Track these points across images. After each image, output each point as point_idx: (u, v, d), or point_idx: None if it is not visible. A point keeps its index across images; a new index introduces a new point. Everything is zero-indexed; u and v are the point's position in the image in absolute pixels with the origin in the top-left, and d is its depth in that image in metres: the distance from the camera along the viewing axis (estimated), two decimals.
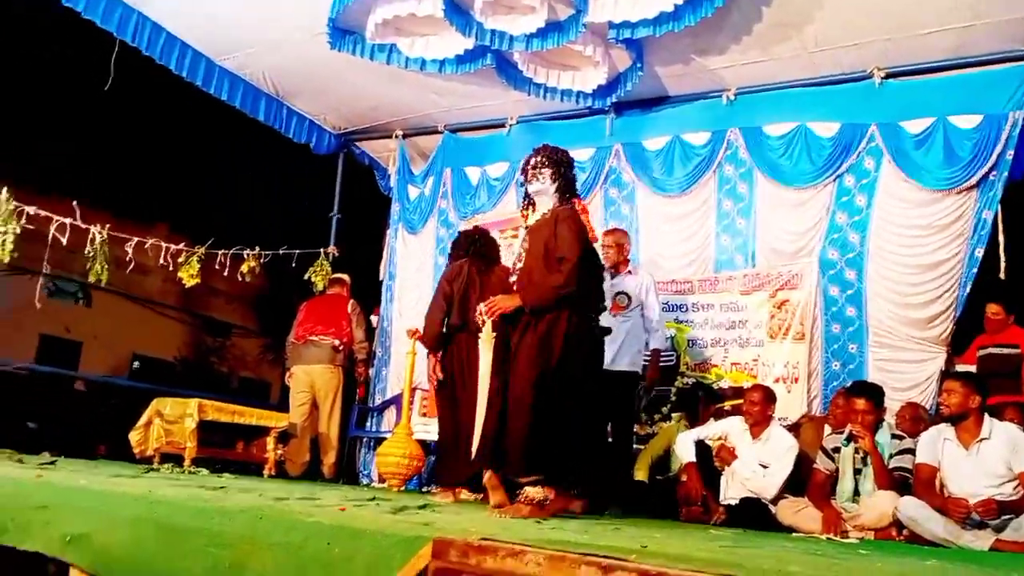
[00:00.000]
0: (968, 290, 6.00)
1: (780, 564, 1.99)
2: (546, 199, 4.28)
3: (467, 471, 5.14)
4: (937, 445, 4.47)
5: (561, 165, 4.28)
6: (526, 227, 4.37)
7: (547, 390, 3.88)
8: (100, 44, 6.76)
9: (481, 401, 4.23)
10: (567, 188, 4.30)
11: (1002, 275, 6.05)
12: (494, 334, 4.20)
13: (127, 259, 7.26)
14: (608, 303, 5.56)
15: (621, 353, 5.51)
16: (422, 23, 6.23)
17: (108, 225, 7.13)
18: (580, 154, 7.55)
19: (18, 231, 6.33)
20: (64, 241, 6.66)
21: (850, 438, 4.70)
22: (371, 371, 7.98)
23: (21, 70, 14.36)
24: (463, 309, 5.45)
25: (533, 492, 3.83)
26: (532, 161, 4.30)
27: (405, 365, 6.59)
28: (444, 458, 5.61)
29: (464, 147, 8.27)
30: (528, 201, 4.41)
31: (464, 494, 5.47)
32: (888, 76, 6.40)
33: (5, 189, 6.44)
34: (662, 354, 6.02)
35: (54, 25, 7.46)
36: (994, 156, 5.89)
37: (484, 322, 4.23)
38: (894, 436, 4.75)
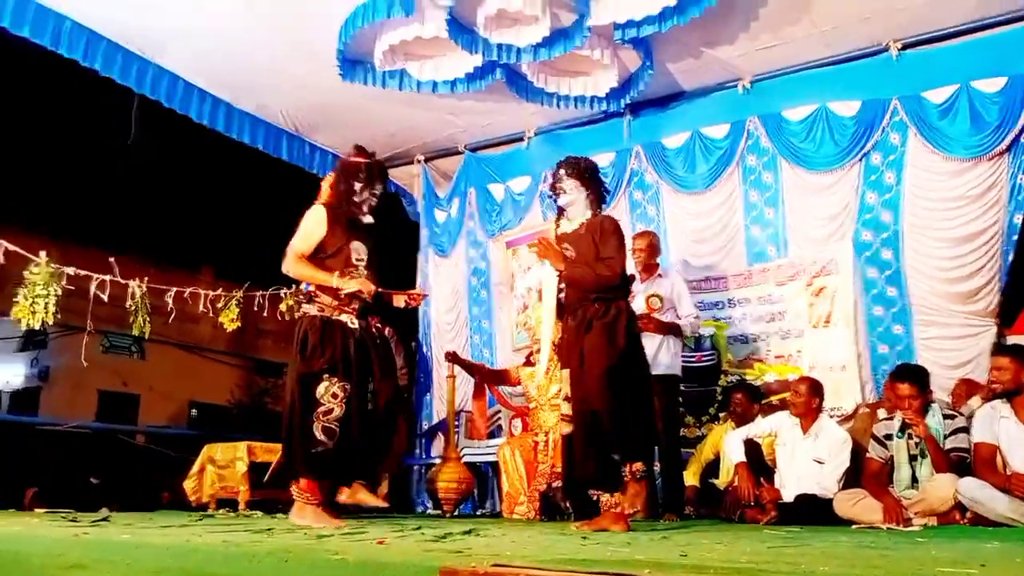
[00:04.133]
0: (1011, 259, 5.81)
1: (811, 565, 1.91)
2: (579, 208, 4.30)
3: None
4: (994, 422, 4.33)
5: (586, 172, 4.31)
6: (557, 235, 4.37)
7: (621, 385, 3.88)
8: (124, 97, 6.83)
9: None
10: (598, 194, 4.34)
11: None
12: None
13: (167, 309, 7.34)
14: (642, 306, 5.56)
15: (658, 357, 5.44)
16: (429, 45, 6.25)
17: (147, 278, 7.22)
18: (600, 159, 7.42)
19: (59, 293, 6.40)
20: (105, 298, 6.74)
21: (904, 428, 4.58)
22: (413, 398, 7.97)
23: (56, 133, 14.71)
24: None
25: (607, 500, 3.83)
26: (556, 175, 4.34)
27: (447, 389, 6.58)
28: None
29: (486, 165, 8.26)
30: (559, 213, 4.44)
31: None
32: (905, 47, 6.23)
33: (44, 252, 6.52)
34: (703, 355, 5.91)
35: (79, 81, 7.49)
36: (1023, 118, 5.71)
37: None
38: (945, 416, 4.60)
